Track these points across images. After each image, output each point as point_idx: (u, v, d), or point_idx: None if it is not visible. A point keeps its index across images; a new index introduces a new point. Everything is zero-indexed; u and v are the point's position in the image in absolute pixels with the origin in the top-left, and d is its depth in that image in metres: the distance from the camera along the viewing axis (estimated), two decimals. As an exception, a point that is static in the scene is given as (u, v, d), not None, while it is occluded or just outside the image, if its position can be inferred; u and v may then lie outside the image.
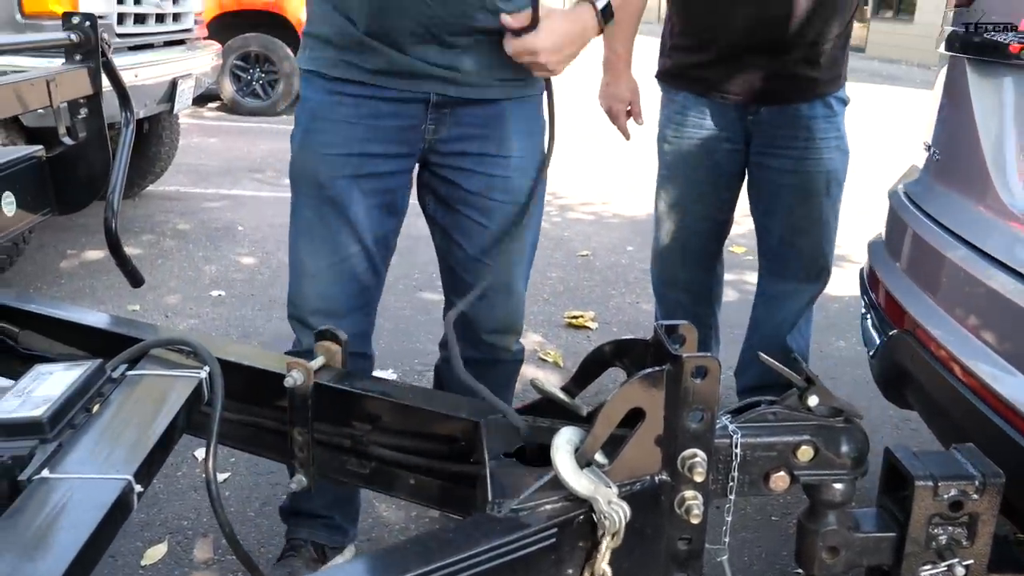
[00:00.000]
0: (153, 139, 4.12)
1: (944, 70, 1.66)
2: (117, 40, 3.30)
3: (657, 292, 2.29)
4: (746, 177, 2.08)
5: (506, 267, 1.52)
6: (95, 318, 1.36)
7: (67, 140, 1.72)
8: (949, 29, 1.63)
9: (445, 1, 1.29)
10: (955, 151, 1.55)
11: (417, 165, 1.48)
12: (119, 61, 3.25)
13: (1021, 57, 1.32)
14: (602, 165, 5.71)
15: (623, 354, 0.97)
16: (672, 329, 0.91)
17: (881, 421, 2.33)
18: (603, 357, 0.98)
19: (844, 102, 2.01)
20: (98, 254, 3.44)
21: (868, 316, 1.76)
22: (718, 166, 2.03)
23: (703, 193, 2.07)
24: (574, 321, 2.96)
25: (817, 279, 2.13)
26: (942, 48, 1.64)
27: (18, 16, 3.01)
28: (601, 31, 1.37)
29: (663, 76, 2.08)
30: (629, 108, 2.08)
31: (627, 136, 2.09)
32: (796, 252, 2.09)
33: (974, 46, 1.46)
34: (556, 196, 4.70)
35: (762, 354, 0.94)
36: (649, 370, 0.84)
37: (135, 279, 1.83)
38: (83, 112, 1.79)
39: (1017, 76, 1.38)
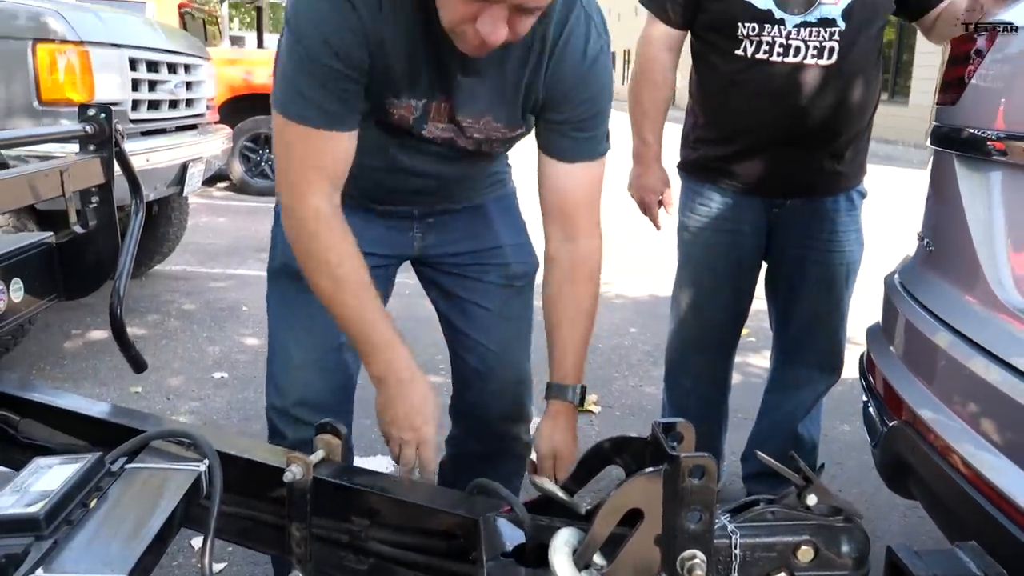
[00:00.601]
0: (162, 220, 4.19)
1: (931, 161, 1.70)
2: (131, 126, 3.40)
3: (670, 379, 2.26)
4: (764, 266, 2.09)
5: (511, 352, 1.57)
6: (96, 408, 1.37)
7: (78, 228, 1.75)
8: (934, 124, 1.67)
9: (434, 197, 1.44)
10: (946, 243, 1.57)
11: (416, 264, 1.56)
12: (132, 146, 3.34)
13: (1006, 154, 1.36)
14: (604, 245, 5.77)
15: (622, 451, 0.98)
16: (670, 427, 0.92)
17: (889, 508, 2.30)
18: (602, 454, 0.98)
19: (863, 195, 2.03)
20: (102, 334, 3.46)
21: (869, 404, 1.75)
22: (740, 257, 2.03)
23: (724, 283, 2.06)
24: (576, 404, 2.95)
25: (832, 371, 2.13)
26: (928, 142, 1.69)
27: (36, 103, 3.09)
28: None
29: (686, 167, 2.08)
30: (660, 198, 2.09)
31: (658, 227, 2.11)
32: (813, 341, 2.09)
33: (960, 142, 1.50)
34: (558, 276, 4.74)
35: (759, 452, 0.94)
36: (646, 470, 0.84)
37: (138, 365, 1.85)
38: (94, 200, 1.83)
39: (1005, 171, 1.41)
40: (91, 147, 1.80)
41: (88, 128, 1.78)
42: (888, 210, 7.00)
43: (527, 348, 1.61)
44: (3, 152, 2.74)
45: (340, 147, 1.21)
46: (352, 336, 1.26)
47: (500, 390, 1.58)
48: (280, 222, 1.47)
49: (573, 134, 1.29)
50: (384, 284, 1.51)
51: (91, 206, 1.80)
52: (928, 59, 13.15)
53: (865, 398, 1.77)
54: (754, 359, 3.42)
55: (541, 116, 1.29)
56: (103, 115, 1.79)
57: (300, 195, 1.21)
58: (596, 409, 2.95)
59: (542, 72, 1.22)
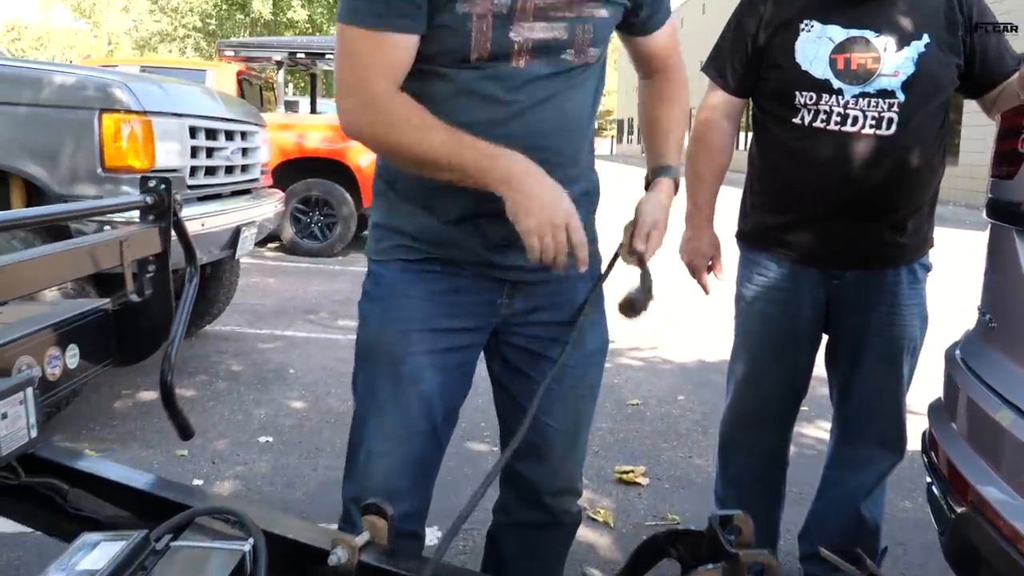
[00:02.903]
0: (213, 282, 4.27)
1: (989, 234, 1.65)
2: (188, 192, 3.49)
3: (724, 454, 2.19)
4: (823, 339, 2.04)
5: (572, 429, 1.53)
6: (143, 480, 1.37)
7: (134, 297, 1.79)
8: (990, 196, 1.63)
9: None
10: (1010, 319, 1.52)
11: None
12: (188, 211, 3.41)
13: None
14: (651, 308, 5.72)
15: (676, 543, 0.94)
16: (727, 520, 0.88)
17: (954, 594, 2.18)
18: (656, 547, 0.95)
19: (927, 268, 1.98)
20: (151, 395, 3.51)
21: (933, 485, 1.68)
22: (798, 330, 1.97)
23: (782, 357, 2.00)
24: (625, 476, 2.88)
25: (894, 450, 2.05)
26: (984, 214, 1.65)
27: (99, 170, 3.20)
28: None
29: (743, 236, 2.05)
30: (711, 263, 2.06)
31: (707, 291, 2.09)
32: (874, 418, 2.02)
33: (1020, 217, 1.46)
34: (604, 340, 4.69)
35: (823, 550, 0.89)
36: (706, 567, 0.81)
37: (185, 432, 1.85)
38: (151, 269, 1.86)
39: (1072, 247, 1.37)
40: (150, 217, 1.85)
41: (149, 199, 1.82)
42: (940, 272, 6.86)
43: (589, 424, 1.58)
44: (65, 217, 2.83)
45: (391, 49, 1.22)
46: (460, 164, 1.23)
47: (556, 466, 1.54)
48: (368, 297, 1.44)
49: (656, 4, 1.43)
50: (468, 370, 1.46)
51: (148, 275, 1.84)
52: (976, 119, 13.01)
53: (929, 479, 1.70)
54: (808, 429, 3.33)
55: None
56: (163, 186, 1.84)
57: (362, 85, 1.24)
58: (644, 481, 2.87)
59: None
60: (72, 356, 1.69)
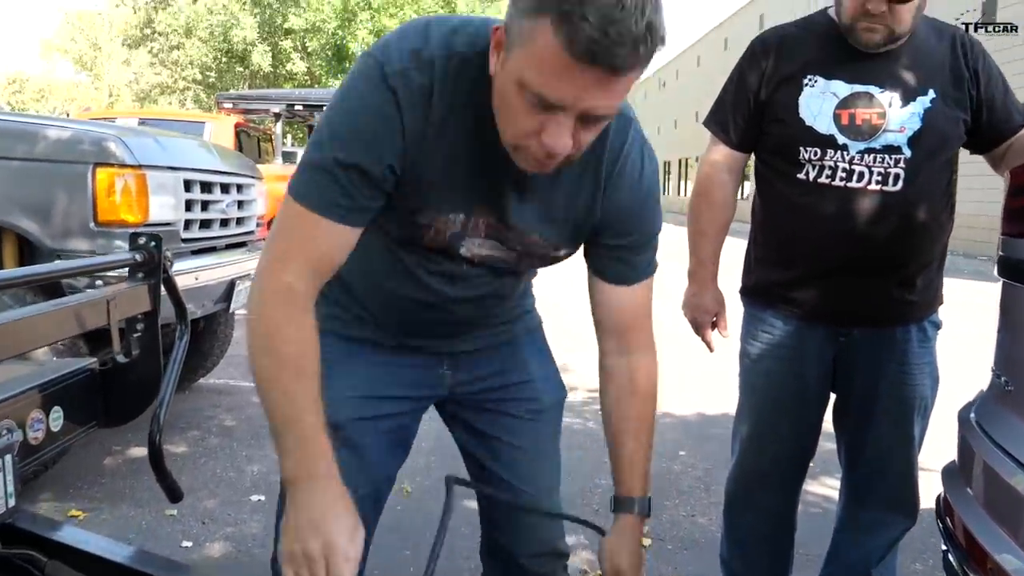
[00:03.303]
0: (207, 335, 4.21)
1: (1001, 294, 1.61)
2: (182, 246, 3.45)
3: (730, 515, 2.12)
4: (831, 398, 1.99)
5: (542, 488, 1.51)
6: (124, 552, 1.32)
7: (120, 358, 1.74)
8: (1001, 254, 1.60)
9: (464, 326, 1.38)
10: (1029, 382, 1.47)
11: (441, 402, 1.51)
12: (181, 265, 3.35)
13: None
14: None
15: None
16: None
17: (971, 663, 2.09)
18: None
19: (937, 326, 1.93)
20: (141, 451, 3.43)
21: (949, 552, 1.62)
22: (805, 388, 1.92)
23: (788, 415, 1.94)
24: (625, 536, 2.80)
25: (907, 515, 1.98)
26: (996, 272, 1.61)
27: (92, 224, 3.16)
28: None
29: (748, 292, 2.01)
30: (714, 320, 2.03)
31: (711, 349, 2.04)
32: (884, 479, 1.96)
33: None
34: (603, 393, 4.63)
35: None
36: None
37: (174, 495, 1.79)
38: (139, 328, 1.82)
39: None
40: (140, 275, 1.81)
41: (138, 256, 1.79)
42: (948, 327, 6.80)
43: (558, 479, 1.56)
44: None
45: (335, 240, 1.12)
46: (275, 426, 1.10)
47: (533, 528, 1.51)
48: None
49: (627, 257, 1.28)
50: (408, 436, 1.48)
51: (136, 335, 1.79)
52: (972, 168, 13.09)
53: (944, 546, 1.64)
54: (813, 487, 3.25)
55: (595, 240, 1.27)
56: (153, 243, 1.80)
57: (277, 270, 1.12)
58: (647, 542, 2.79)
59: (599, 196, 1.21)
60: (56, 419, 1.64)
